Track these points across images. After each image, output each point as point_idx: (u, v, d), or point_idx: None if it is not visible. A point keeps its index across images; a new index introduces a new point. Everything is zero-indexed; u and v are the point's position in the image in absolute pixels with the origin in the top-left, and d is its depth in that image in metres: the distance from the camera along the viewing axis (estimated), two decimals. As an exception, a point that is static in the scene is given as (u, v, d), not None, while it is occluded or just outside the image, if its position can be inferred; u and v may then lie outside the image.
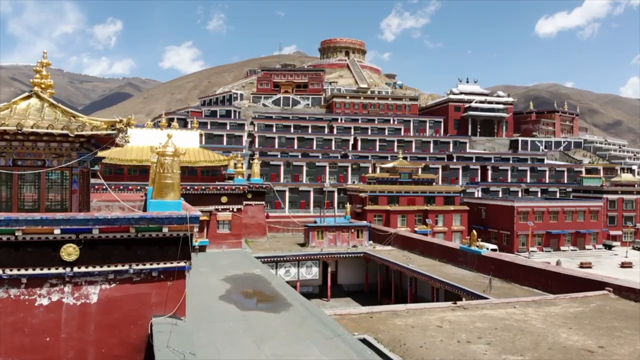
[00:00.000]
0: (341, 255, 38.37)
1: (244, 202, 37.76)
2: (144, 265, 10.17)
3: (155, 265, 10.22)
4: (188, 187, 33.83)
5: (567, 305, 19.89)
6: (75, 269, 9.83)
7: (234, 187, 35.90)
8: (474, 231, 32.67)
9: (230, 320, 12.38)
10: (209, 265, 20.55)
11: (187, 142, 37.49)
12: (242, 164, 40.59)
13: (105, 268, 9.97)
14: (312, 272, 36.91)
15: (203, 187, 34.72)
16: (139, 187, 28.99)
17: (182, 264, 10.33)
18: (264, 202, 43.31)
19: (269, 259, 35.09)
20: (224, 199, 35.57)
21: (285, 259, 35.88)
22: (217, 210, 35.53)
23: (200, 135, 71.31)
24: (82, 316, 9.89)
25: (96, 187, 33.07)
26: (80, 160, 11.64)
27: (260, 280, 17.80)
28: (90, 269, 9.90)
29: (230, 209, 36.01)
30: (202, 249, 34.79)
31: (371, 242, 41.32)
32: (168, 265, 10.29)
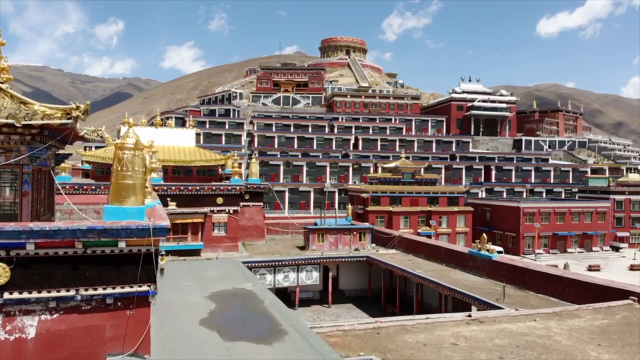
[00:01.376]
0: (343, 259, 36.75)
1: (241, 203, 36.40)
2: (95, 290, 8.08)
3: (109, 290, 8.12)
4: (182, 188, 32.87)
5: (591, 318, 18.57)
6: (6, 295, 7.78)
7: (230, 188, 34.53)
8: (484, 234, 30.94)
9: (210, 355, 10.31)
10: (194, 277, 18.52)
11: (183, 141, 36.85)
12: (239, 163, 38.94)
13: (44, 294, 7.90)
14: (312, 277, 35.31)
15: (197, 188, 33.49)
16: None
17: (144, 288, 8.24)
18: (262, 203, 41.78)
19: (266, 264, 33.69)
20: (219, 200, 34.33)
21: (284, 263, 34.44)
22: (212, 211, 34.31)
23: (198, 134, 69.87)
24: (17, 354, 7.85)
25: (84, 187, 31.67)
26: (32, 156, 9.68)
27: (251, 298, 15.77)
28: (26, 295, 7.85)
29: (226, 211, 34.83)
30: (196, 252, 33.32)
31: (374, 245, 39.54)
32: (126, 290, 8.18)
